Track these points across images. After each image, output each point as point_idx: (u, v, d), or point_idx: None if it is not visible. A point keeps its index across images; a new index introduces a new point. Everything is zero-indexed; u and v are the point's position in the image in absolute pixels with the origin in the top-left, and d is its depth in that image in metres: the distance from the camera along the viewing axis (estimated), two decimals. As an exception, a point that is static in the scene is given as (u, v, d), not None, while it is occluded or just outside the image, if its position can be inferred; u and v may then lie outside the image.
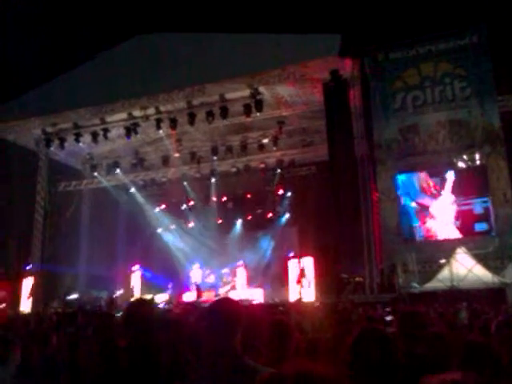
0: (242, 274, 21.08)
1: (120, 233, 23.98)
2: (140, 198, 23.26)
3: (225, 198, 23.07)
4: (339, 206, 16.08)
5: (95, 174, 22.59)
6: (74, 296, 20.26)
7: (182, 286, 21.58)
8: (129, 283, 22.68)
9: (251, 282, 20.55)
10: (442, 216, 15.96)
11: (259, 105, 17.23)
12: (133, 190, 23.19)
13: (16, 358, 4.37)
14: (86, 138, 19.66)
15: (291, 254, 20.47)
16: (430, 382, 2.30)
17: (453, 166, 15.89)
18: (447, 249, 14.75)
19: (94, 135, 19.35)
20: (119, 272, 22.94)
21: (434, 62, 16.44)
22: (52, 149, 20.46)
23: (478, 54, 15.90)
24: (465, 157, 15.75)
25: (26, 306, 19.07)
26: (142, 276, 23.05)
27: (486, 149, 15.56)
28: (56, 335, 5.28)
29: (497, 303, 11.01)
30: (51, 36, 20.70)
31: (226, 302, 2.78)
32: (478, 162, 15.73)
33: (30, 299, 19.47)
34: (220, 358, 2.38)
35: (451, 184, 15.86)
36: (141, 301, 4.04)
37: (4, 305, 18.15)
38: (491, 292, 12.69)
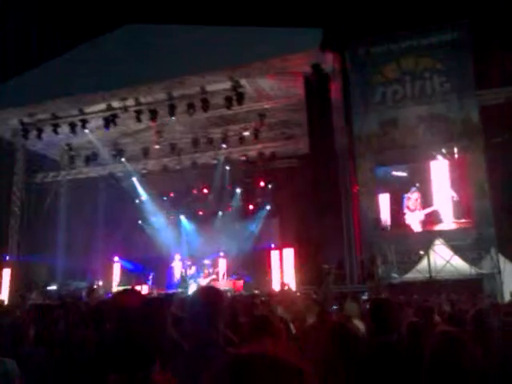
0: (223, 265, 21.15)
1: (99, 224, 23.82)
2: (119, 189, 23.11)
3: (205, 190, 23.05)
4: (320, 198, 16.19)
5: (73, 164, 22.35)
6: (53, 287, 20.08)
7: (164, 277, 21.56)
8: (109, 274, 22.61)
9: (232, 272, 20.60)
10: (418, 209, 16.18)
11: (240, 97, 17.15)
12: (112, 181, 23.05)
13: None
14: (65, 128, 19.38)
15: (272, 245, 20.59)
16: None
17: (432, 160, 16.11)
18: (426, 240, 14.97)
19: (73, 126, 19.08)
20: (98, 263, 22.81)
21: (414, 56, 16.59)
22: (29, 140, 20.14)
23: (459, 50, 16.08)
24: (443, 150, 15.97)
25: (4, 297, 18.85)
26: (122, 267, 22.98)
27: (465, 142, 15.82)
28: (34, 329, 5.16)
29: (474, 294, 11.28)
30: (30, 25, 20.31)
31: (208, 290, 2.77)
32: (456, 156, 15.96)
33: (7, 291, 19.29)
34: (203, 347, 2.36)
35: (431, 177, 16.09)
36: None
37: None
38: (468, 283, 12.94)
